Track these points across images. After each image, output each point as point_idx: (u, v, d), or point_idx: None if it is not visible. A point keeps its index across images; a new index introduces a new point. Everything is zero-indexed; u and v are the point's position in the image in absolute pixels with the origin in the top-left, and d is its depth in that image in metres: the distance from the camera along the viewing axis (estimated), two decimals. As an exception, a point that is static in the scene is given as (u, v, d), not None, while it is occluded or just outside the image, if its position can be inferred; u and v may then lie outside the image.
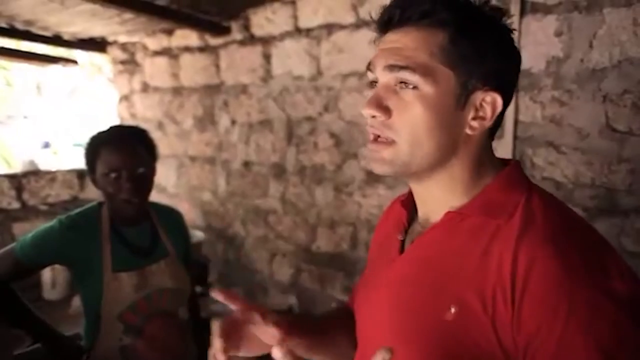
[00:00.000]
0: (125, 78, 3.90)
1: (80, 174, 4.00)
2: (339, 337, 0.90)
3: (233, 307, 0.77)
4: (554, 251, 0.59)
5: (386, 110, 0.68)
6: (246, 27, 2.90)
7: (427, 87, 0.65)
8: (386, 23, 0.70)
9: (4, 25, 3.09)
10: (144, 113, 3.78)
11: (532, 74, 1.80)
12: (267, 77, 2.84)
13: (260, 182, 3.01)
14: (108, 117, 4.25)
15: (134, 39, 3.66)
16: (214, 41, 3.12)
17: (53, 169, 4.05)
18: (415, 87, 0.66)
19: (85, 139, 1.49)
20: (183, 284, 1.52)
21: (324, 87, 2.55)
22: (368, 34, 2.31)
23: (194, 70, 3.31)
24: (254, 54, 2.89)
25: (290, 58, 2.69)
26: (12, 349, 1.45)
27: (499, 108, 0.68)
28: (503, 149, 1.87)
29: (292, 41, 2.66)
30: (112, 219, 1.45)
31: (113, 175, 1.38)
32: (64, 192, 3.95)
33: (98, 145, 1.42)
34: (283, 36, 2.71)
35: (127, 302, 1.39)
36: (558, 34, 1.74)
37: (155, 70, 3.61)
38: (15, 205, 3.67)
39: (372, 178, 2.43)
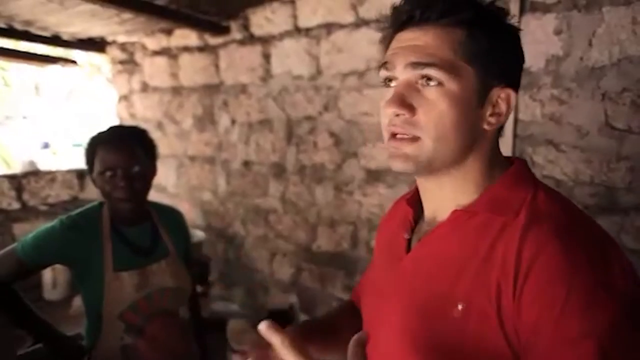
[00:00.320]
0: (124, 78, 3.90)
1: (80, 174, 4.01)
2: (346, 335, 0.91)
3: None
4: (559, 246, 0.60)
5: (410, 108, 0.68)
6: (245, 26, 2.90)
7: (451, 84, 0.66)
8: (404, 22, 0.70)
9: (3, 25, 3.08)
10: (144, 113, 3.78)
11: (531, 72, 1.81)
12: (267, 76, 2.84)
13: (260, 182, 3.01)
14: (107, 117, 4.25)
15: (133, 38, 3.66)
16: (213, 41, 3.12)
17: (53, 170, 4.05)
18: (439, 84, 0.66)
19: (85, 139, 1.49)
20: (184, 283, 1.52)
21: (324, 86, 2.55)
22: (368, 33, 2.32)
23: (193, 70, 3.31)
24: (253, 53, 2.89)
25: (290, 57, 2.69)
26: (16, 349, 1.45)
27: (513, 103, 0.71)
28: (503, 147, 1.83)
29: (292, 41, 2.67)
30: (113, 219, 1.45)
31: (109, 173, 1.39)
32: (63, 192, 3.95)
33: (96, 145, 1.43)
34: (282, 36, 2.71)
35: (128, 302, 1.39)
36: (557, 32, 1.74)
37: (155, 70, 3.61)
38: (16, 205, 3.68)
39: (372, 177, 2.44)
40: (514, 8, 1.79)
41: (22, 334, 1.41)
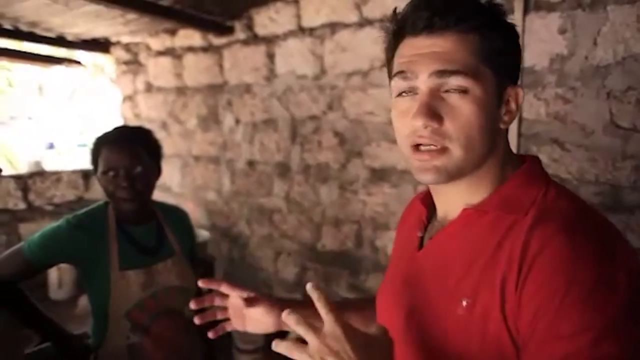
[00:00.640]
0: (128, 78, 3.91)
1: (85, 175, 4.03)
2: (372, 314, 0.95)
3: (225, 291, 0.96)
4: (564, 240, 0.60)
5: (439, 119, 0.66)
6: (249, 26, 2.91)
7: (476, 89, 0.66)
8: (421, 29, 0.67)
9: (8, 26, 3.10)
10: (148, 113, 3.79)
11: (536, 71, 1.80)
12: (271, 76, 2.84)
13: (264, 181, 3.01)
14: (112, 117, 4.27)
15: (137, 39, 3.67)
16: (217, 41, 3.13)
17: (58, 170, 4.07)
18: (464, 91, 0.65)
19: (90, 139, 1.50)
20: (189, 282, 1.53)
21: (328, 86, 2.56)
22: (371, 32, 2.32)
23: (197, 70, 3.32)
24: (257, 53, 2.89)
25: (294, 57, 2.69)
26: (23, 348, 1.46)
27: (521, 100, 0.71)
28: (507, 146, 1.87)
29: (296, 40, 2.67)
30: (119, 218, 1.46)
31: (111, 173, 1.40)
32: (69, 192, 3.98)
33: (100, 145, 1.44)
34: (286, 35, 2.71)
35: (134, 301, 1.40)
36: (562, 31, 1.74)
37: (159, 70, 3.62)
38: (22, 205, 3.71)
39: (377, 176, 2.44)
40: (518, 7, 1.79)
41: (29, 333, 1.42)
